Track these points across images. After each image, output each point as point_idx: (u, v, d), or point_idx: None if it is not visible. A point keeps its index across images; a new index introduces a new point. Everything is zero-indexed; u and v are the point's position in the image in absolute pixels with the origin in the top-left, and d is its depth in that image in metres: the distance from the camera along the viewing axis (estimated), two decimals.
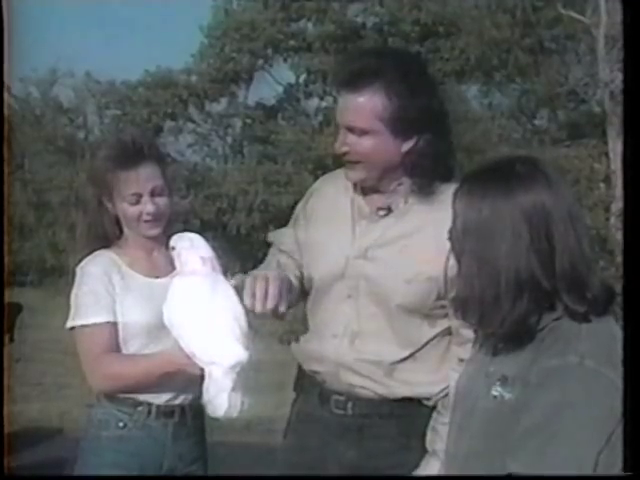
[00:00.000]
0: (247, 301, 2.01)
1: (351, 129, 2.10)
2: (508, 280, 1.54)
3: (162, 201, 2.32)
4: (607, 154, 15.37)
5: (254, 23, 17.91)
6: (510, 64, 17.27)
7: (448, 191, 2.01)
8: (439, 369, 2.15)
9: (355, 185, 2.21)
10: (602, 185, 14.90)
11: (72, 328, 2.31)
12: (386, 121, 2.06)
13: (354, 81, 2.07)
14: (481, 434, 1.61)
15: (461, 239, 1.62)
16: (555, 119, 18.50)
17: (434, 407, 2.15)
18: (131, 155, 2.28)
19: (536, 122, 19.01)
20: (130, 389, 2.29)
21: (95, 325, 2.27)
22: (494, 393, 1.58)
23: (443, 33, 17.87)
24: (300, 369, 2.32)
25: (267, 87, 19.17)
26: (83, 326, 2.28)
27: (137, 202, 2.29)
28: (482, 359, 1.68)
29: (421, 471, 2.12)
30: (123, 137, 2.38)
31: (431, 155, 2.10)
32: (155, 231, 2.32)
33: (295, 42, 18.19)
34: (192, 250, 2.10)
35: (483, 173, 1.65)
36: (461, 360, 2.06)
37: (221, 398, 1.98)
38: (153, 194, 2.30)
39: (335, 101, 2.22)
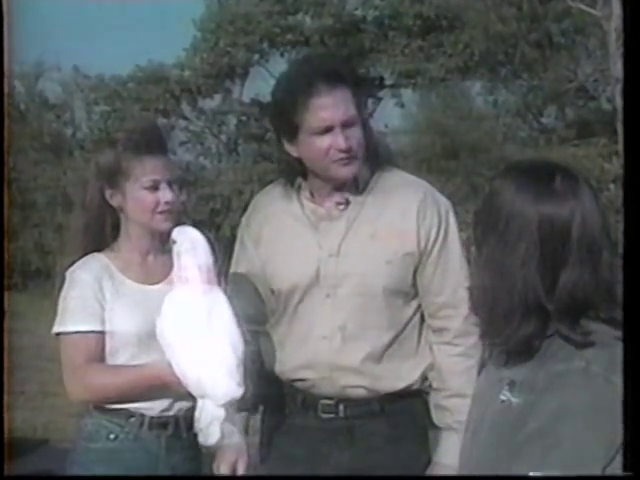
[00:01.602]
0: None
1: (347, 122, 2.21)
2: (520, 296, 1.56)
3: (176, 192, 2.32)
4: (618, 154, 15.13)
5: (249, 16, 17.82)
6: (516, 59, 17.24)
7: (397, 175, 2.33)
8: (417, 352, 2.28)
9: (299, 191, 2.32)
10: (612, 186, 14.66)
11: (58, 334, 2.30)
12: (358, 109, 2.25)
13: (328, 80, 2.21)
14: (490, 439, 1.62)
15: (485, 231, 1.63)
16: (563, 117, 18.56)
17: (419, 391, 2.28)
18: (156, 140, 2.33)
19: (543, 120, 19.07)
20: (111, 401, 2.26)
21: (80, 333, 2.26)
22: (502, 398, 1.60)
23: (446, 27, 17.77)
24: (263, 380, 2.33)
25: (263, 83, 18.49)
26: (67, 333, 2.27)
27: (156, 189, 2.28)
28: (495, 366, 1.70)
29: (442, 449, 2.22)
30: (147, 122, 2.28)
31: (375, 137, 2.37)
32: (167, 225, 2.29)
33: (292, 36, 18.05)
34: (192, 253, 2.14)
35: (523, 173, 1.64)
36: (435, 331, 2.26)
37: (213, 428, 2.02)
38: (170, 183, 2.31)
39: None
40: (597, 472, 1.48)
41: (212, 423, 2.02)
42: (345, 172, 2.24)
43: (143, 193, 2.29)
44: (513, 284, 1.57)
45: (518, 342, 1.58)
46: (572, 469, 1.49)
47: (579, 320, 1.57)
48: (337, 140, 2.20)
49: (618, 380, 1.51)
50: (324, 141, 2.21)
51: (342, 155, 2.21)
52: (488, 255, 1.62)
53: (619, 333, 1.55)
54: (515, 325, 1.57)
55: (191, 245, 2.15)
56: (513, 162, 1.73)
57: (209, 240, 2.19)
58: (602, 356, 1.54)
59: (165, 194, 2.29)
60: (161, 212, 2.30)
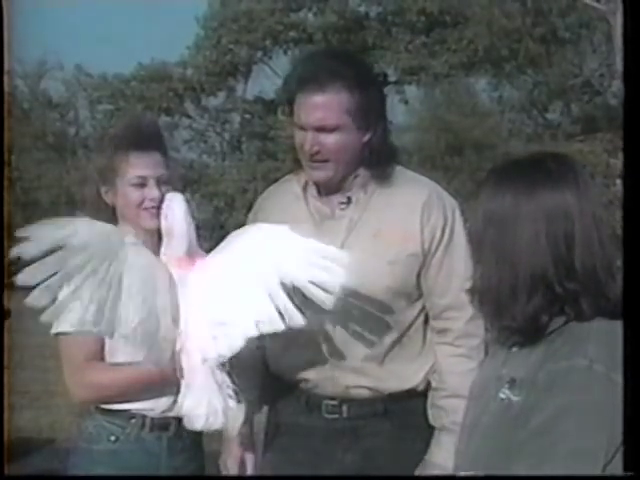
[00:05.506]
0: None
1: (321, 128, 2.20)
2: (525, 275, 1.59)
3: (164, 190, 2.29)
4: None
5: (252, 13, 17.90)
6: (521, 55, 17.26)
7: (402, 174, 2.31)
8: (421, 353, 2.28)
9: (306, 189, 2.31)
10: (618, 181, 14.73)
11: (57, 334, 2.28)
12: (352, 115, 2.20)
13: (317, 81, 2.19)
14: (488, 436, 1.64)
15: (481, 229, 1.66)
16: (569, 112, 18.58)
17: (424, 392, 2.27)
18: (145, 137, 2.32)
19: (548, 116, 19.14)
20: (113, 399, 2.27)
21: (78, 332, 2.21)
22: (502, 396, 1.62)
23: (450, 23, 17.83)
24: (267, 380, 2.37)
25: (266, 80, 19.09)
26: (66, 333, 2.22)
27: (142, 186, 2.28)
28: (495, 363, 1.72)
29: (434, 448, 2.23)
30: (140, 119, 2.22)
31: (386, 142, 2.28)
32: (153, 222, 2.26)
33: (295, 33, 18.16)
34: (186, 230, 2.15)
35: (512, 166, 1.69)
36: (438, 331, 2.25)
37: (197, 412, 2.02)
38: (159, 181, 2.29)
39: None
40: (598, 470, 1.49)
41: (195, 407, 2.02)
42: (315, 175, 2.25)
43: (129, 189, 2.29)
44: (516, 265, 1.60)
45: (526, 317, 1.60)
46: (573, 467, 1.50)
47: (599, 297, 1.59)
48: (305, 142, 2.21)
49: (620, 379, 1.52)
50: (298, 138, 2.24)
51: (309, 158, 2.23)
52: (490, 249, 1.64)
53: (616, 322, 1.58)
54: (523, 300, 1.59)
55: (187, 226, 2.18)
56: (499, 164, 1.75)
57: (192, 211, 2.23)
58: (604, 354, 1.55)
59: (151, 192, 2.28)
60: (146, 209, 2.28)
